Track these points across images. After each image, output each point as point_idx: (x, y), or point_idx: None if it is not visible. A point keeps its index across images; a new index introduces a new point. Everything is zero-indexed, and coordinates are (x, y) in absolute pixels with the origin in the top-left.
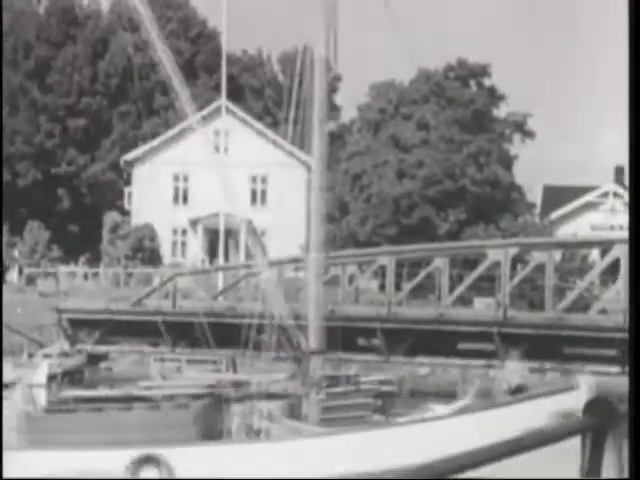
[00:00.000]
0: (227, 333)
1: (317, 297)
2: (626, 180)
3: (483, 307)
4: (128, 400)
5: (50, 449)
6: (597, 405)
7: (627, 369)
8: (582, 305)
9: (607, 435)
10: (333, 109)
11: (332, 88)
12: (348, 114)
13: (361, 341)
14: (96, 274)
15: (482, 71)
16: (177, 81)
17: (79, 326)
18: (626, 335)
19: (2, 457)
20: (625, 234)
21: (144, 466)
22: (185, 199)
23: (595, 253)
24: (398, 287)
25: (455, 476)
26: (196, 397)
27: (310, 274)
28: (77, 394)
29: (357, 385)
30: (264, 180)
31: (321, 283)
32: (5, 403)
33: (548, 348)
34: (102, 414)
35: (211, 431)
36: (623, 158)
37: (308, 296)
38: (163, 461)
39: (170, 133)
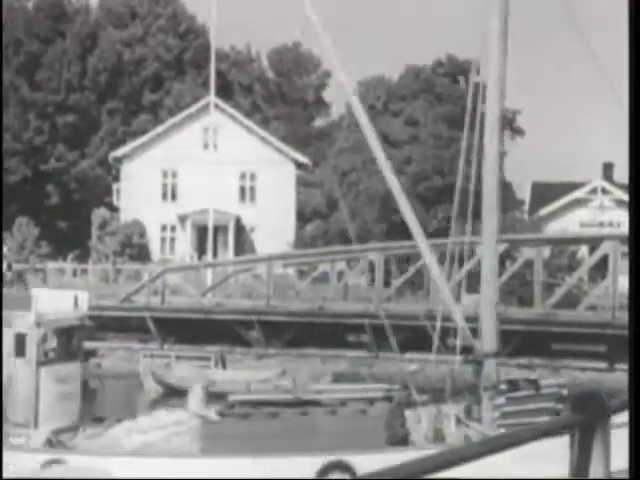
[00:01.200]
0: (216, 329)
1: (490, 296)
2: (615, 176)
3: (471, 303)
4: (300, 405)
5: (225, 456)
6: (586, 400)
7: (615, 365)
8: (571, 301)
9: (596, 431)
10: (322, 106)
11: (321, 84)
12: (337, 111)
13: (350, 337)
14: (85, 270)
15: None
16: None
17: None
18: (615, 331)
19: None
20: (614, 230)
21: (332, 473)
22: (174, 195)
23: (584, 249)
24: (387, 283)
25: (439, 474)
26: (371, 402)
27: (484, 269)
28: (245, 398)
29: (538, 389)
30: (253, 177)
31: (496, 279)
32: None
33: (537, 344)
34: (277, 420)
35: (393, 437)
36: (612, 154)
37: (481, 294)
38: (352, 468)
39: (159, 129)
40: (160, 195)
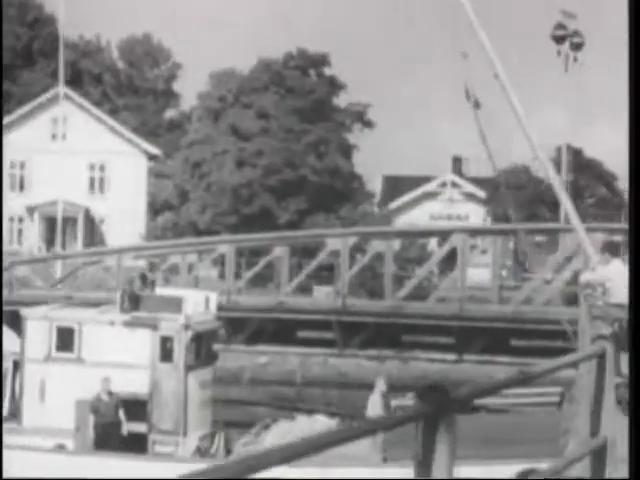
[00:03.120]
0: None
1: None
2: (463, 170)
3: (322, 295)
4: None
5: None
6: (431, 392)
7: (463, 357)
8: (421, 294)
9: (440, 422)
10: (173, 97)
11: (172, 76)
12: (188, 102)
13: None
14: None
15: (322, 60)
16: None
17: None
18: (462, 323)
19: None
20: (462, 223)
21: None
22: (22, 186)
23: (433, 242)
24: (238, 276)
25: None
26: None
27: None
28: (409, 403)
29: None
30: (103, 168)
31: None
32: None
33: (387, 336)
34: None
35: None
36: (461, 148)
37: None
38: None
39: (6, 120)
40: (8, 186)
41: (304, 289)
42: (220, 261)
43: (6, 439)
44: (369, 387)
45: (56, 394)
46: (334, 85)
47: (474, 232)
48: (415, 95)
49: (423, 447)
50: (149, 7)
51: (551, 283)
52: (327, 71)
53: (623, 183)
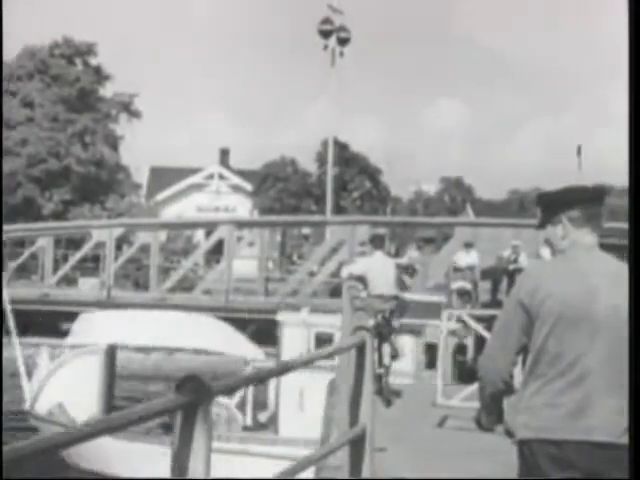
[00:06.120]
0: None
1: None
2: (231, 162)
3: (88, 287)
4: None
5: None
6: (188, 382)
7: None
8: (186, 285)
9: (198, 412)
10: None
11: None
12: None
13: None
14: None
15: (88, 50)
16: None
17: None
18: (228, 314)
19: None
20: (229, 215)
21: None
22: None
23: (200, 234)
24: (1, 267)
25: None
26: None
27: None
28: None
29: None
30: None
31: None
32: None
33: None
34: None
35: None
36: (227, 140)
37: None
38: None
39: None
40: None
41: (69, 281)
42: None
43: (260, 449)
44: (141, 378)
45: (315, 403)
46: (100, 75)
47: (241, 224)
48: (184, 86)
49: (180, 438)
50: None
51: (316, 275)
52: (93, 61)
53: (386, 177)
